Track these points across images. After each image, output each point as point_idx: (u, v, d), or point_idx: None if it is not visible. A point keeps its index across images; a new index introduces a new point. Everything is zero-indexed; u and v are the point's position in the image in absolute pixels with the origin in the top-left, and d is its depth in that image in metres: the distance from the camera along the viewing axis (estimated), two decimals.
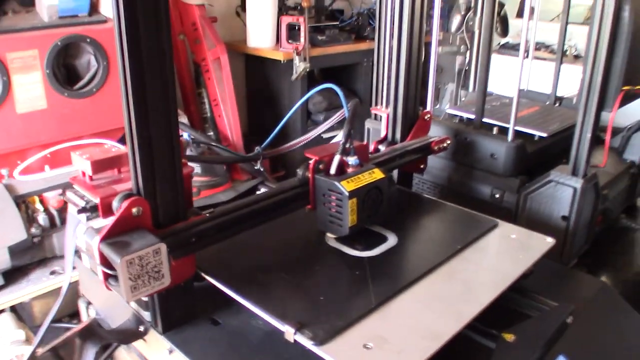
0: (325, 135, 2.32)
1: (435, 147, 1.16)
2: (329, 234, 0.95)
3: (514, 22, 2.36)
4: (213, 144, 1.46)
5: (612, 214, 1.32)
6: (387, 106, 1.18)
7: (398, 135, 1.17)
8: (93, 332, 0.84)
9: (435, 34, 1.32)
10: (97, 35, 2.11)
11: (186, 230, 0.77)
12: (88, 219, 0.75)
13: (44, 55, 2.04)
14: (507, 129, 1.23)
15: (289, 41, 2.73)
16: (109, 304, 0.98)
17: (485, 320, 0.79)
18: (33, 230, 1.79)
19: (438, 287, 0.81)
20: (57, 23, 2.07)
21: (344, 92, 1.10)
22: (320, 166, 0.92)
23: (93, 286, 1.01)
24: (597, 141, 1.15)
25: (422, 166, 1.19)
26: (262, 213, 0.87)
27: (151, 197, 0.73)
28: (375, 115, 1.38)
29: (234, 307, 0.86)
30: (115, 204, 0.72)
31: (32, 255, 1.81)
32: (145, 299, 0.82)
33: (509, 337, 0.79)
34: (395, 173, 1.20)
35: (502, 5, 2.21)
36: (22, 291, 1.72)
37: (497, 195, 1.23)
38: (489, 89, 1.30)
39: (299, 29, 2.69)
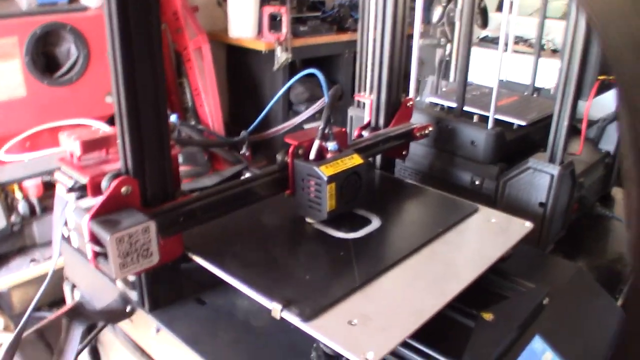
0: (307, 126, 2.33)
1: (418, 134, 1.18)
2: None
3: (493, 16, 2.39)
4: (200, 127, 1.47)
5: (587, 202, 1.36)
6: (370, 93, 1.19)
7: (381, 122, 1.19)
8: (80, 312, 0.84)
9: (418, 25, 1.34)
10: (77, 23, 2.10)
11: (174, 209, 0.78)
12: (77, 198, 0.76)
13: (23, 43, 2.02)
14: (487, 117, 1.26)
15: (271, 31, 2.74)
16: (95, 286, 0.98)
17: (465, 300, 0.81)
18: (12, 218, 1.77)
19: (420, 267, 0.83)
20: (36, 10, 2.05)
21: (325, 82, 1.11)
22: (300, 151, 0.92)
23: (78, 269, 1.01)
24: (573, 131, 1.18)
25: (404, 152, 1.21)
26: (249, 195, 0.89)
27: (140, 177, 0.74)
28: (358, 102, 1.40)
29: (220, 288, 0.87)
30: (104, 183, 0.73)
31: (12, 244, 1.80)
32: (132, 278, 0.83)
33: (488, 316, 0.81)
34: (378, 159, 1.23)
35: None
36: (1, 279, 1.71)
37: (477, 182, 1.25)
38: (469, 80, 1.32)
39: (280, 19, 2.70)
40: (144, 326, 0.87)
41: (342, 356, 0.69)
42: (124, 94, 0.69)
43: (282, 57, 2.70)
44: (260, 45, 2.75)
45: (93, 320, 0.92)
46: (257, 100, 2.96)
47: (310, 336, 0.69)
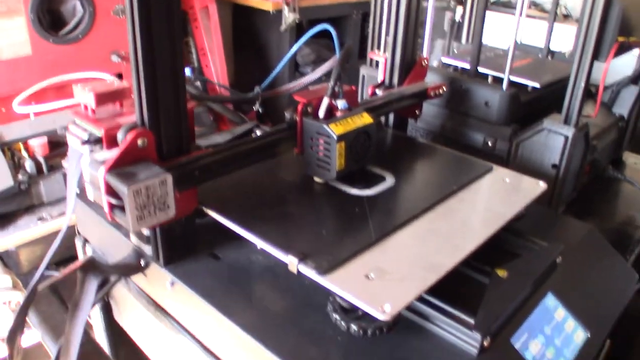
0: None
1: (431, 93, 1.17)
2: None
3: None
4: (214, 81, 1.45)
5: (599, 165, 1.35)
6: (384, 51, 1.18)
7: (395, 80, 1.17)
8: (94, 265, 0.84)
9: None
10: None
11: (190, 163, 0.77)
12: (91, 151, 0.75)
13: (28, 0, 1.99)
14: (501, 78, 1.24)
15: None
16: (108, 241, 0.99)
17: (480, 258, 0.81)
18: (20, 177, 1.77)
19: (436, 224, 0.83)
20: None
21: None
22: (309, 109, 0.90)
23: (91, 224, 1.01)
24: (588, 95, 1.17)
25: (417, 112, 1.20)
26: (263, 150, 0.88)
27: (156, 129, 0.73)
28: (371, 61, 1.38)
29: (234, 243, 0.87)
30: (120, 135, 0.72)
31: (19, 202, 1.80)
32: (146, 232, 0.83)
33: (502, 273, 0.81)
34: (391, 118, 1.21)
35: None
36: (9, 237, 1.72)
37: (490, 143, 1.24)
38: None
39: None
40: (158, 280, 0.87)
41: (358, 309, 0.69)
42: (141, 43, 0.68)
43: (289, 17, 2.65)
44: (268, 5, 2.71)
45: (107, 274, 0.92)
46: (263, 61, 2.92)
47: (325, 290, 0.69)
